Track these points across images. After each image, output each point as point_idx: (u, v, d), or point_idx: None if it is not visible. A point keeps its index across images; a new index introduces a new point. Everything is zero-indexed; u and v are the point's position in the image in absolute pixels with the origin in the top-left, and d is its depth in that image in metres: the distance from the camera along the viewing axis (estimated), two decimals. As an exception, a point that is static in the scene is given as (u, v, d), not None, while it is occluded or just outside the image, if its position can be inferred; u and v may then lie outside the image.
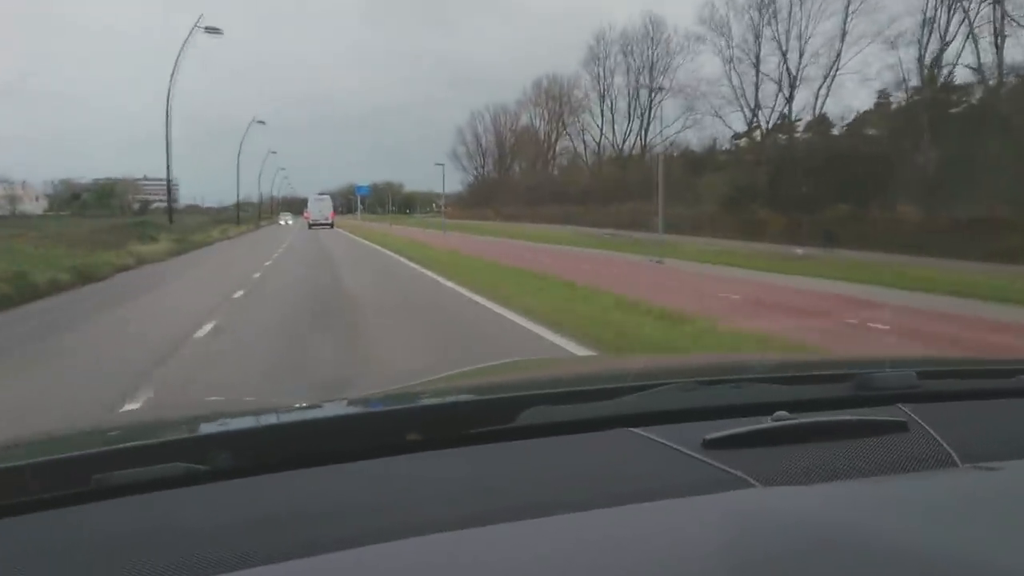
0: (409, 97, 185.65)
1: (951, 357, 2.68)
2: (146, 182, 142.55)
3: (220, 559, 0.82)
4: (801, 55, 46.93)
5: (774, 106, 49.05)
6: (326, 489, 0.99)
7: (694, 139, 62.45)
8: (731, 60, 51.75)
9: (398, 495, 0.98)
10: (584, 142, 76.83)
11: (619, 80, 70.55)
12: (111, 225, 35.27)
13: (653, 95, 64.50)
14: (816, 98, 45.83)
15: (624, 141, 69.40)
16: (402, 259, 23.66)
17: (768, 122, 49.24)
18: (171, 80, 39.05)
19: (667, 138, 62.34)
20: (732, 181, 41.15)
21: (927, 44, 37.28)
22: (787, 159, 38.18)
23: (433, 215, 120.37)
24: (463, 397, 1.43)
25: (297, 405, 1.44)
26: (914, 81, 37.42)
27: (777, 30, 48.42)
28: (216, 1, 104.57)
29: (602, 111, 72.02)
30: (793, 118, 47.08)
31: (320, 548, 0.83)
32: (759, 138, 48.28)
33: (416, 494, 0.98)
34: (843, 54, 44.02)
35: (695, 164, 54.41)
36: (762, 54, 49.68)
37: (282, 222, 77.72)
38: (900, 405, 1.24)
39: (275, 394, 2.32)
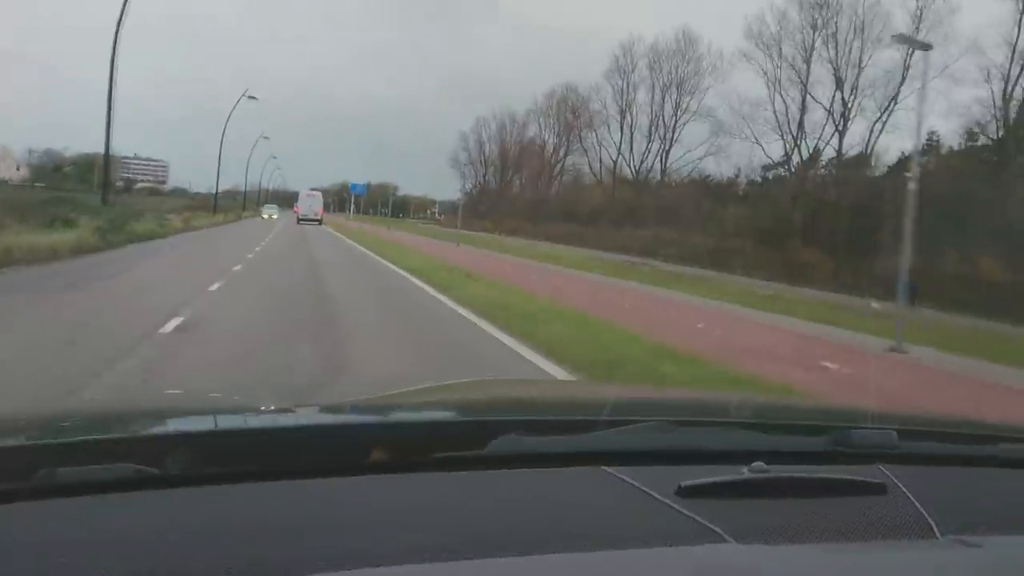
0: (410, 101, 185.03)
1: (935, 416, 2.19)
2: (135, 161, 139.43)
3: (161, 573, 0.81)
4: (855, 85, 43.03)
5: (820, 135, 44.89)
6: (281, 506, 0.96)
7: (714, 166, 58.65)
8: (777, 82, 47.62)
9: (356, 519, 0.96)
10: (600, 159, 71.94)
11: (642, 96, 65.94)
12: (41, 200, 29.20)
13: (678, 114, 60.61)
14: (871, 132, 41.84)
15: (641, 162, 65.06)
16: (458, 307, 12.94)
17: (810, 152, 45.29)
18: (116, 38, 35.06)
19: (690, 162, 58.71)
20: (770, 214, 37.11)
21: (1017, 79, 33.40)
22: (839, 195, 34.06)
23: (427, 221, 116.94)
24: (433, 416, 1.46)
25: (262, 409, 1.46)
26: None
27: (834, 54, 44.32)
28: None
29: (621, 128, 67.21)
30: (844, 151, 42.91)
31: (269, 570, 0.82)
32: (800, 168, 43.98)
33: (375, 520, 0.96)
34: (904, 86, 40.17)
35: (718, 193, 50.54)
36: (810, 80, 45.73)
37: (265, 215, 66.71)
38: (880, 465, 1.21)
39: (240, 396, 2.04)
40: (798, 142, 45.16)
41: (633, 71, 66.04)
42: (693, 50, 61.38)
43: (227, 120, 54.80)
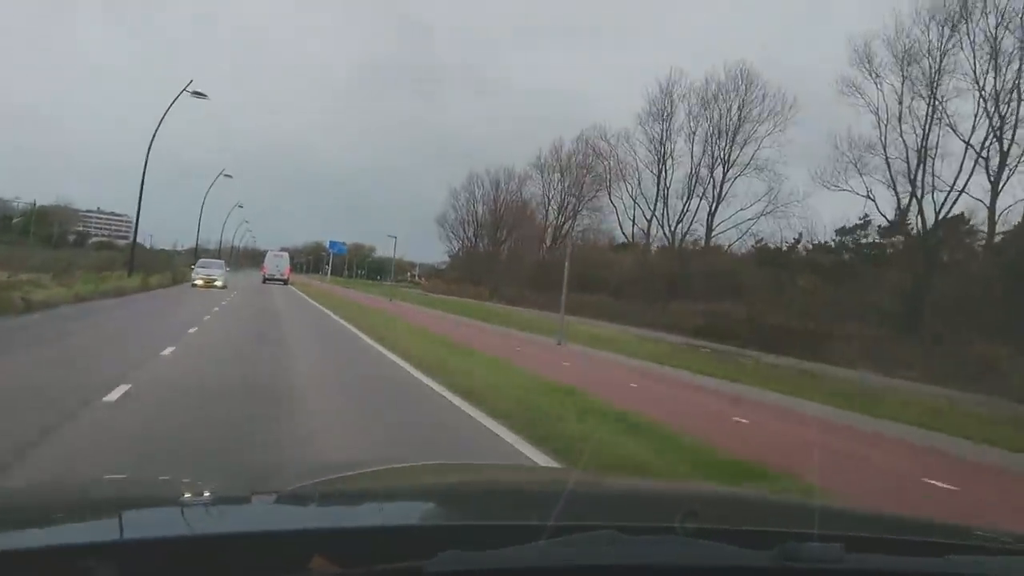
0: (387, 162, 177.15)
1: (885, 518, 2.05)
2: (96, 215, 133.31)
3: None
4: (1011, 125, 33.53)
5: (953, 185, 34.81)
6: None
7: (765, 228, 49.38)
8: (896, 118, 37.68)
9: None
10: (618, 221, 62.00)
11: (680, 146, 55.90)
12: None
13: (727, 167, 51.70)
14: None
15: (678, 222, 55.16)
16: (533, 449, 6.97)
17: (937, 208, 35.02)
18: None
19: (738, 223, 49.69)
20: (894, 289, 27.95)
21: None
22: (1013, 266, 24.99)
23: (406, 285, 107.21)
24: (378, 521, 1.43)
25: (207, 499, 1.51)
26: None
27: (982, 83, 34.74)
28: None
29: (658, 182, 56.98)
30: (996, 208, 32.85)
31: None
32: (926, 231, 34.20)
33: None
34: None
35: (777, 260, 41.66)
36: (946, 116, 35.82)
37: (198, 281, 38.66)
38: None
39: (188, 479, 2.11)
40: (919, 197, 35.30)
41: (670, 114, 56.38)
42: (750, 89, 52.11)
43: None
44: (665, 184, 56.71)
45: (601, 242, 64.57)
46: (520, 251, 72.46)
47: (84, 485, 2.22)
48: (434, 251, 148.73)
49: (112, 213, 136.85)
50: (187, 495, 1.66)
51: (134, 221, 39.59)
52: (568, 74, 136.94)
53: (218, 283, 37.30)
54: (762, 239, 48.43)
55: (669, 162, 56.58)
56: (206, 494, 1.60)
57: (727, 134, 52.26)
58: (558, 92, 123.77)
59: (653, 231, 58.11)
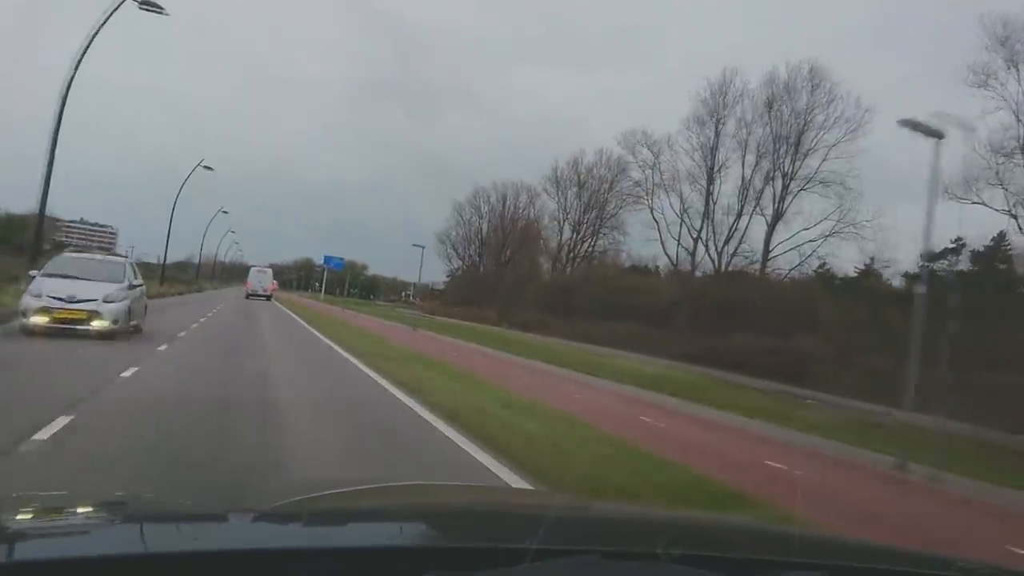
0: (380, 180, 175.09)
1: (868, 547, 2.06)
2: (79, 225, 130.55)
3: None
4: None
5: None
6: None
7: (836, 250, 43.29)
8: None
9: None
10: (660, 239, 53.59)
11: (731, 153, 48.77)
12: None
13: (788, 180, 45.58)
14: None
15: (726, 242, 48.37)
16: None
17: None
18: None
19: (799, 244, 43.73)
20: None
21: None
22: None
23: (400, 305, 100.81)
24: (358, 542, 1.39)
25: (186, 515, 1.46)
26: None
27: None
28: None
29: (709, 194, 49.46)
30: None
31: None
32: None
33: None
34: None
35: (846, 288, 35.96)
36: None
37: (34, 319, 13.78)
38: None
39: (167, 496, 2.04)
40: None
41: (725, 116, 48.90)
42: (820, 88, 44.88)
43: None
44: (711, 199, 49.67)
45: (620, 262, 58.55)
46: (528, 271, 66.59)
47: (56, 501, 1.94)
48: (427, 271, 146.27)
49: (96, 224, 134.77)
50: (163, 512, 1.58)
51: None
52: (564, 95, 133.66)
53: (100, 325, 14.26)
54: (824, 263, 42.72)
55: (718, 174, 49.56)
56: (183, 511, 1.56)
57: (793, 141, 45.58)
58: (554, 113, 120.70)
59: (698, 253, 50.67)
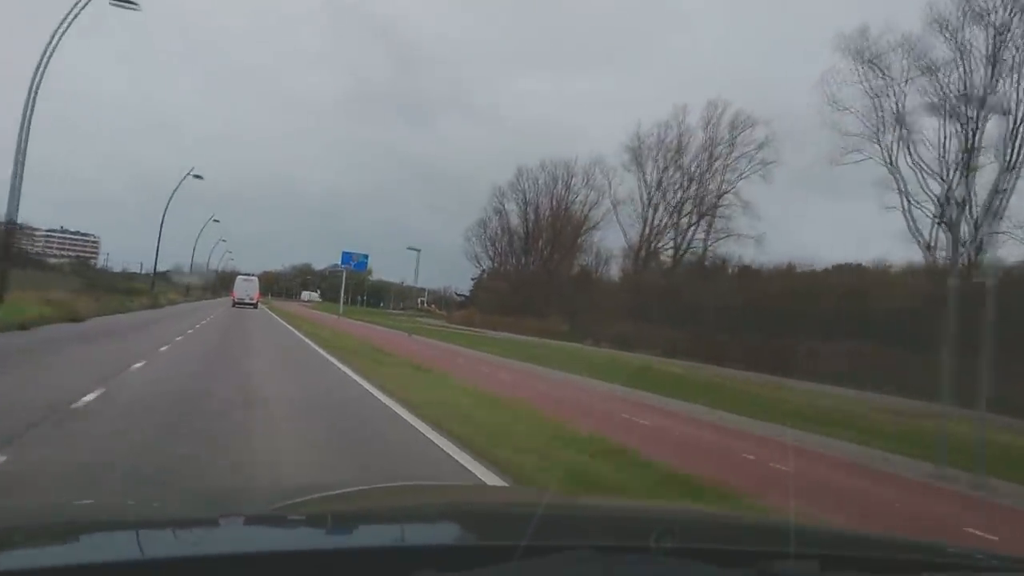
0: (376, 187, 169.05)
1: (862, 537, 1.93)
2: (59, 234, 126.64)
3: None
4: None
5: None
6: None
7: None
8: None
9: None
10: (908, 211, 38.13)
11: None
12: None
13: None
14: None
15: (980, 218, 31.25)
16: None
17: None
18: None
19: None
20: None
21: None
22: None
23: (422, 314, 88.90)
24: (350, 544, 1.38)
25: (173, 522, 1.44)
26: None
27: None
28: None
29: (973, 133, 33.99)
30: None
31: None
32: None
33: None
34: None
35: None
36: None
37: None
38: None
39: (157, 504, 1.98)
40: None
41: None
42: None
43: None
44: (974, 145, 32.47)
45: (720, 258, 46.65)
46: (595, 270, 54.70)
47: (48, 508, 2.02)
48: (431, 278, 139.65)
49: (78, 232, 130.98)
50: (154, 518, 1.59)
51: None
52: (557, 101, 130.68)
53: None
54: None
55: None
56: (176, 516, 1.57)
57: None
58: (547, 118, 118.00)
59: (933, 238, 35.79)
